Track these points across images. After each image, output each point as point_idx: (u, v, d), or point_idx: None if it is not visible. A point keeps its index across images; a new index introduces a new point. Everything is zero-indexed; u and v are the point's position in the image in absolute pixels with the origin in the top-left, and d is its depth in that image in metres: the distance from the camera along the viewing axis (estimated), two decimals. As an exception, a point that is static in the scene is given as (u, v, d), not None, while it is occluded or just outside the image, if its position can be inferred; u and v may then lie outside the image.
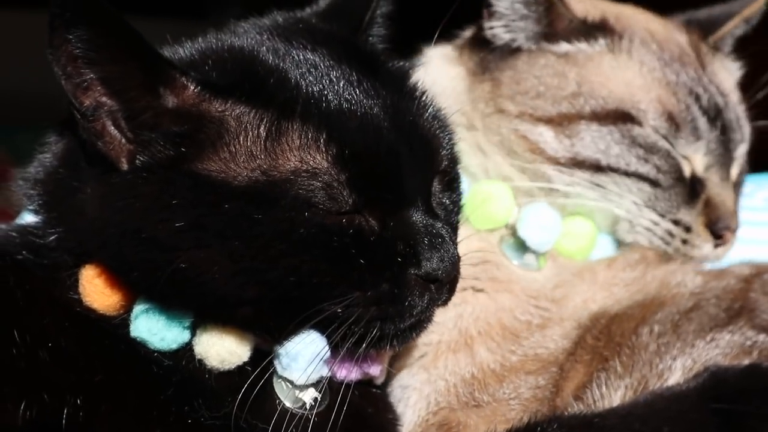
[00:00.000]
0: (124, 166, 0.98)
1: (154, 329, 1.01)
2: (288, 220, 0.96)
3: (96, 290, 1.02)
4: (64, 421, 0.92)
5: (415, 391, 1.27)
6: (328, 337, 1.00)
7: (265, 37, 1.09)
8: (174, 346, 1.01)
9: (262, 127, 0.98)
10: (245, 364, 1.02)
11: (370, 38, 1.19)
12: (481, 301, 1.30)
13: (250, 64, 1.02)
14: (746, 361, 1.19)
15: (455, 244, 1.05)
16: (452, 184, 1.12)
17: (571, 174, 1.32)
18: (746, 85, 1.48)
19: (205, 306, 1.00)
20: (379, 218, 1.00)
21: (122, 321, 1.02)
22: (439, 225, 1.03)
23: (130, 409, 0.97)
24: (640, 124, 1.32)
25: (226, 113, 0.98)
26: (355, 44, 1.12)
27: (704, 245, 1.34)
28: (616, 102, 1.32)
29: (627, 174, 1.31)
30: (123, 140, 0.98)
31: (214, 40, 1.08)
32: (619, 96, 1.33)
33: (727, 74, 1.46)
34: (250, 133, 0.98)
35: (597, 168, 1.31)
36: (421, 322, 1.04)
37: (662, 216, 1.32)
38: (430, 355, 1.28)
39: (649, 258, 1.36)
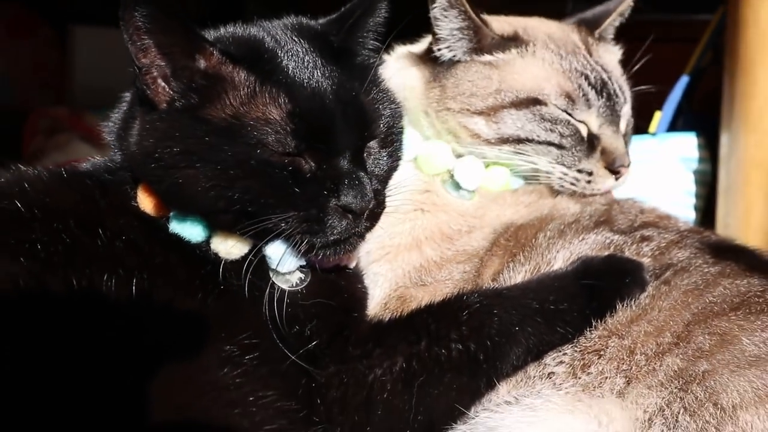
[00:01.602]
0: (163, 107, 0.97)
1: (184, 227, 0.99)
2: (246, 153, 0.93)
3: (145, 199, 1.00)
4: (134, 288, 0.90)
5: (382, 276, 1.26)
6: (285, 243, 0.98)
7: (272, 29, 1.04)
8: (200, 239, 0.99)
9: (249, 86, 0.95)
10: (248, 254, 0.99)
11: (351, 37, 1.08)
12: (428, 218, 1.29)
13: (255, 44, 1.00)
14: (606, 253, 1.18)
15: (374, 188, 1.00)
16: (389, 146, 1.05)
17: (500, 148, 1.28)
18: (626, 61, 1.46)
19: (197, 212, 0.97)
20: (316, 161, 0.96)
21: (167, 220, 0.99)
22: (361, 174, 0.97)
23: (180, 280, 0.95)
24: (545, 104, 1.28)
25: (233, 74, 0.96)
26: (330, 41, 1.05)
27: (606, 180, 1.31)
28: (527, 92, 1.28)
29: (539, 142, 1.28)
30: (166, 89, 0.96)
31: (239, 28, 1.05)
32: (529, 87, 1.28)
33: (610, 56, 1.41)
34: (242, 89, 0.95)
35: (518, 141, 1.28)
36: (343, 242, 0.98)
37: (569, 168, 1.29)
38: (392, 254, 1.27)
39: (543, 191, 1.33)
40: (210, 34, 1.02)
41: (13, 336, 0.83)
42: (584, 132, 1.30)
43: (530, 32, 1.34)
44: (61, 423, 0.80)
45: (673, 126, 1.94)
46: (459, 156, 1.32)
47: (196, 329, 0.91)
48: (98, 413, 0.82)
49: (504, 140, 1.27)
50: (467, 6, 1.26)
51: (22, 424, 0.79)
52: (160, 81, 0.95)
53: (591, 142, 1.30)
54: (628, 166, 1.32)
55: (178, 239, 0.98)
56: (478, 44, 1.29)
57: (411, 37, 1.43)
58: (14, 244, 0.89)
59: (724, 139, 1.74)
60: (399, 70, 1.37)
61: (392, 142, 1.06)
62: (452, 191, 1.30)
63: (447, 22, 1.28)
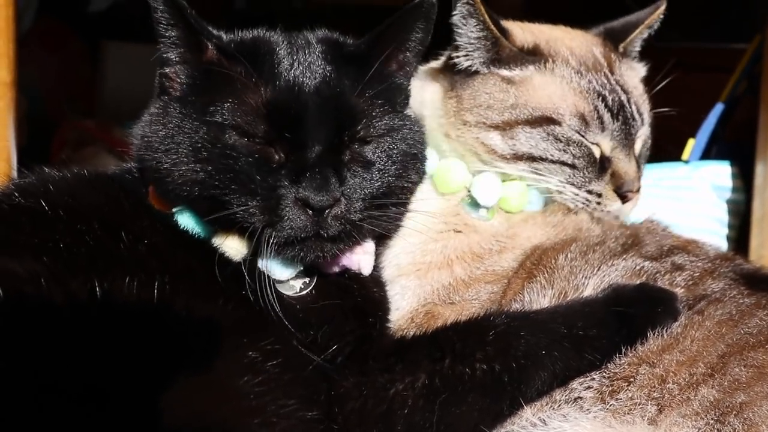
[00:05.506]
0: (172, 95, 1.01)
1: (189, 222, 1.00)
2: (216, 135, 0.95)
3: (152, 192, 1.02)
4: (155, 292, 0.89)
5: (410, 290, 1.24)
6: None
7: (295, 36, 1.05)
8: (203, 233, 1.00)
9: (241, 78, 0.97)
10: (251, 257, 0.98)
11: (370, 48, 1.05)
12: (460, 237, 1.27)
13: (258, 44, 1.02)
14: (637, 280, 1.15)
15: (349, 192, 0.97)
16: (378, 147, 1.02)
17: (516, 165, 1.26)
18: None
19: (179, 199, 0.98)
20: (285, 152, 0.96)
21: (173, 216, 1.00)
22: (328, 170, 0.95)
23: (201, 284, 0.95)
24: (559, 124, 1.25)
25: (230, 68, 0.98)
26: (344, 49, 1.05)
27: (613, 204, 1.28)
28: (541, 110, 1.25)
29: (552, 161, 1.26)
30: (176, 78, 1.01)
31: (259, 32, 1.06)
32: (544, 105, 1.26)
33: (632, 73, 1.38)
34: (235, 81, 0.97)
35: (532, 159, 1.26)
36: (305, 241, 0.95)
37: (579, 188, 1.27)
38: (422, 270, 1.25)
39: (567, 208, 1.31)
40: (227, 35, 1.04)
41: (33, 336, 0.82)
42: (597, 153, 1.27)
43: (552, 45, 1.31)
44: (78, 427, 0.79)
45: (707, 154, 1.91)
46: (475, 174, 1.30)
47: (217, 334, 0.90)
48: (116, 419, 0.80)
49: (518, 157, 1.26)
50: (486, 17, 1.25)
51: (37, 427, 0.78)
52: (171, 70, 1.00)
53: (602, 164, 1.28)
54: (637, 191, 1.30)
55: (196, 242, 0.98)
56: (496, 55, 1.27)
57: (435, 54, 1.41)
58: (38, 243, 0.89)
59: (759, 169, 1.71)
60: (419, 87, 1.35)
61: (381, 144, 1.02)
62: (472, 212, 1.28)
63: (466, 30, 1.26)
